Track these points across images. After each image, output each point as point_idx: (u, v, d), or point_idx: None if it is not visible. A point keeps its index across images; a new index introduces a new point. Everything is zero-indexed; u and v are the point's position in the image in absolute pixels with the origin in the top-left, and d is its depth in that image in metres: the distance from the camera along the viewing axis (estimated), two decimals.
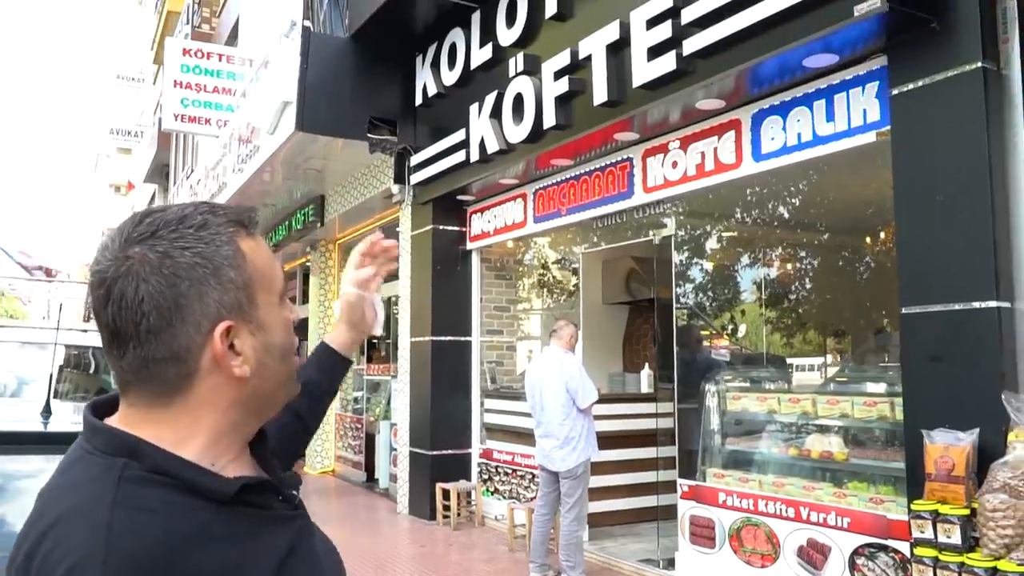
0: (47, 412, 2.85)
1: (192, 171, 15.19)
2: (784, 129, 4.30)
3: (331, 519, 7.76)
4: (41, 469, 2.77)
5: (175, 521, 0.83)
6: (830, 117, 4.03)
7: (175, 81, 10.80)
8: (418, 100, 7.48)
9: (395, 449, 9.12)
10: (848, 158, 4.11)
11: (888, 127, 3.66)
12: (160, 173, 22.38)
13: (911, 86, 3.48)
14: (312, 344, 11.89)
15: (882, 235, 6.13)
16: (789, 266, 7.02)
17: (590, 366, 5.99)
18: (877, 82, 3.78)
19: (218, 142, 11.42)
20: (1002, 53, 3.25)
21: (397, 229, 8.72)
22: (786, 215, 6.39)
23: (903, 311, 3.51)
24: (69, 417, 3.09)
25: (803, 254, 7.00)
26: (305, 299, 13.39)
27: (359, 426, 11.11)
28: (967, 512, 3.11)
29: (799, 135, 4.21)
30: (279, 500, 0.96)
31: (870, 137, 3.83)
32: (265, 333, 0.95)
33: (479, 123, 6.29)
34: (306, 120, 7.36)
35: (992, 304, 3.15)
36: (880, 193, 4.66)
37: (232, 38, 13.82)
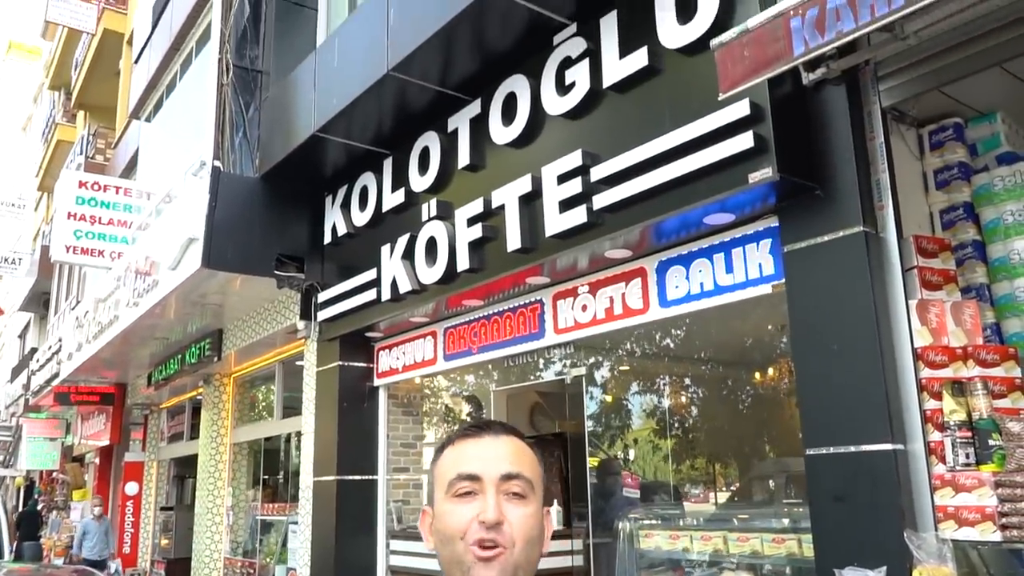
0: None
1: (78, 302, 14.61)
2: (687, 278, 4.62)
3: None
4: None
5: None
6: (729, 269, 4.37)
7: (69, 213, 10.55)
8: (327, 239, 7.58)
9: None
10: (751, 305, 4.42)
11: (782, 280, 4.00)
12: (38, 302, 21.37)
13: (801, 245, 3.85)
14: (202, 483, 11.33)
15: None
16: (696, 398, 7.32)
17: None
18: (770, 239, 4.15)
19: (110, 274, 11.11)
20: (879, 219, 3.65)
21: (299, 363, 8.61)
22: (696, 354, 6.73)
23: (807, 452, 3.73)
24: None
25: (713, 391, 7.33)
26: (195, 434, 12.84)
27: (251, 570, 10.52)
28: None
29: (701, 284, 4.53)
30: None
31: (766, 289, 4.16)
32: (436, 519, 1.27)
33: (391, 264, 6.42)
34: (212, 257, 7.32)
35: (888, 447, 3.41)
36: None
37: (128, 170, 13.69)
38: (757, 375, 6.96)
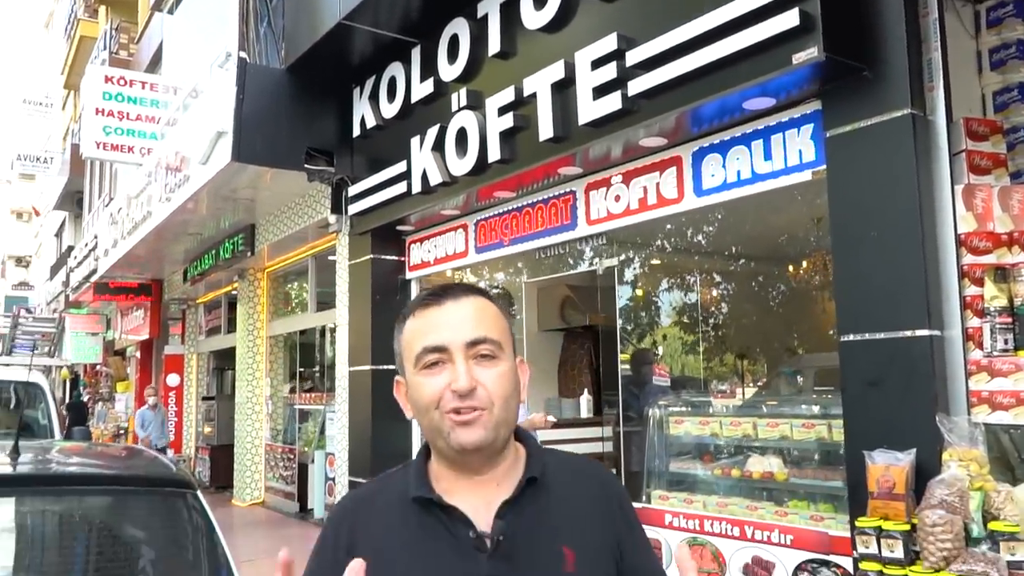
0: (16, 453, 2.75)
1: (111, 199, 14.74)
2: (724, 166, 4.52)
3: (265, 551, 7.62)
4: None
5: (369, 489, 1.33)
6: (768, 156, 4.27)
7: (97, 108, 10.51)
8: (356, 131, 7.50)
9: (331, 478, 9.03)
10: (789, 194, 4.34)
11: (823, 167, 3.90)
12: (72, 200, 21.59)
13: (844, 129, 3.73)
14: (241, 374, 11.66)
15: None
16: (726, 294, 7.31)
17: (528, 392, 6.10)
18: (812, 124, 4.03)
19: (141, 170, 11.16)
20: (928, 100, 3.52)
21: (331, 258, 8.69)
22: (729, 249, 6.66)
23: (842, 339, 3.73)
24: (31, 457, 3.00)
25: (744, 287, 7.29)
26: (232, 328, 13.14)
27: (291, 456, 10.94)
28: (908, 527, 3.32)
29: (738, 172, 4.44)
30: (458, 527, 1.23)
31: (806, 176, 4.07)
32: (411, 390, 1.28)
33: (421, 155, 6.36)
34: (242, 151, 7.31)
35: (925, 333, 3.39)
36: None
37: (153, 64, 13.53)
38: (790, 268, 6.91)
